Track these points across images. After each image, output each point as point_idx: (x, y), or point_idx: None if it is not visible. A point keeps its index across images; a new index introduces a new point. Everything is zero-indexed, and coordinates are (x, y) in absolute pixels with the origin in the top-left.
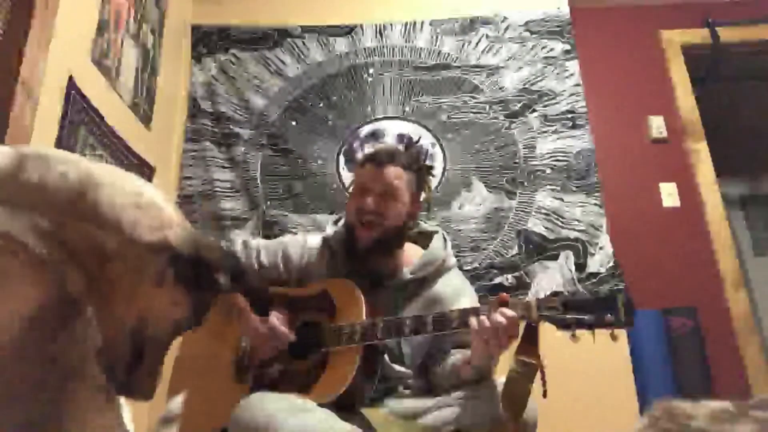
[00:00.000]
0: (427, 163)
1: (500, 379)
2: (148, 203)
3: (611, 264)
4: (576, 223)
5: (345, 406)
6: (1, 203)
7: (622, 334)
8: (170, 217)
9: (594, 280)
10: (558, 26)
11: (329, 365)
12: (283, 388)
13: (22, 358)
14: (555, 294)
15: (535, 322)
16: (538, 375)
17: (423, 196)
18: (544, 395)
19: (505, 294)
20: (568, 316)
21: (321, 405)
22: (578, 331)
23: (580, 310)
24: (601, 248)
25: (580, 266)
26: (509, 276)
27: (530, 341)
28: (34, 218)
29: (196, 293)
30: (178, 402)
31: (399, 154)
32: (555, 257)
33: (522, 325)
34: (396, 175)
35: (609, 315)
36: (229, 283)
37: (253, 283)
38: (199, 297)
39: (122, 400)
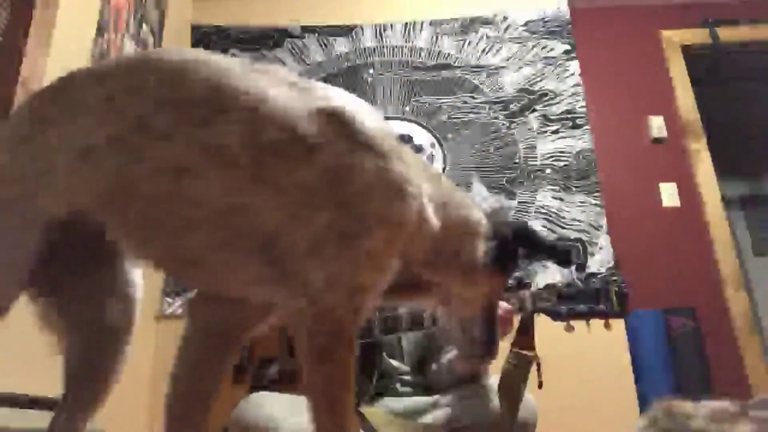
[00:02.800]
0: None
1: (494, 377)
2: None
3: (611, 264)
4: (576, 223)
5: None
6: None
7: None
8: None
9: (594, 280)
10: (558, 26)
11: None
12: (282, 388)
13: None
14: (549, 286)
15: (529, 314)
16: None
17: None
18: (540, 386)
19: None
20: (562, 307)
21: None
22: (573, 323)
23: (573, 300)
24: (601, 248)
25: (580, 266)
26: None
27: (525, 333)
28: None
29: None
30: None
31: None
32: None
33: (517, 318)
34: None
35: (602, 305)
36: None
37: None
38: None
39: None
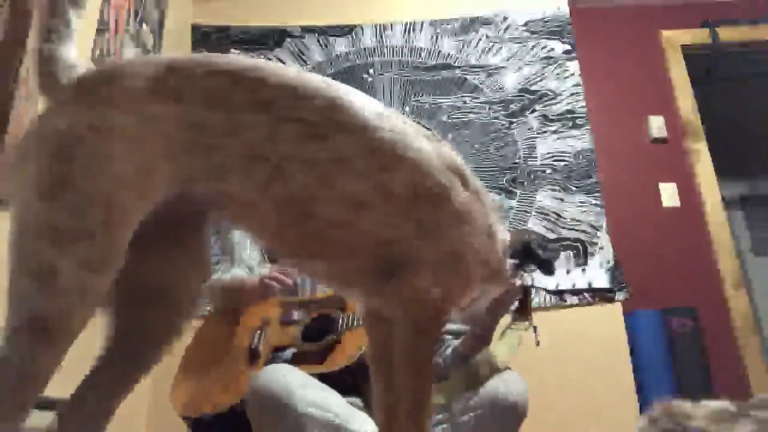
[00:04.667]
0: None
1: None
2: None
3: (611, 264)
4: (576, 223)
5: (353, 388)
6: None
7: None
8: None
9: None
10: (558, 26)
11: (341, 344)
12: (296, 366)
13: None
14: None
15: (526, 288)
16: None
17: None
18: (537, 344)
19: None
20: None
21: (332, 385)
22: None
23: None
24: (601, 248)
25: (580, 266)
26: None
27: (523, 308)
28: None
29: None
30: None
31: None
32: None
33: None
34: None
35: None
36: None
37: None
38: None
39: None
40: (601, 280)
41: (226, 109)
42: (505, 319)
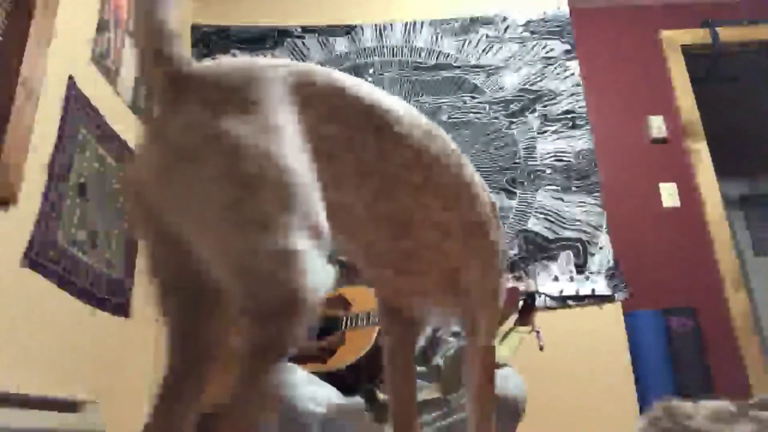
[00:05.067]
0: None
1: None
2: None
3: (611, 264)
4: (576, 223)
5: (355, 387)
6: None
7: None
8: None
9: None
10: (558, 26)
11: (344, 344)
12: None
13: None
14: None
15: (531, 294)
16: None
17: None
18: (541, 349)
19: None
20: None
21: (335, 384)
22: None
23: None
24: (601, 248)
25: (580, 266)
26: (509, 276)
27: (527, 313)
28: None
29: None
30: None
31: None
32: (555, 257)
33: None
34: None
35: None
36: None
37: None
38: None
39: None
40: (603, 287)
41: (344, 123)
42: (509, 321)
